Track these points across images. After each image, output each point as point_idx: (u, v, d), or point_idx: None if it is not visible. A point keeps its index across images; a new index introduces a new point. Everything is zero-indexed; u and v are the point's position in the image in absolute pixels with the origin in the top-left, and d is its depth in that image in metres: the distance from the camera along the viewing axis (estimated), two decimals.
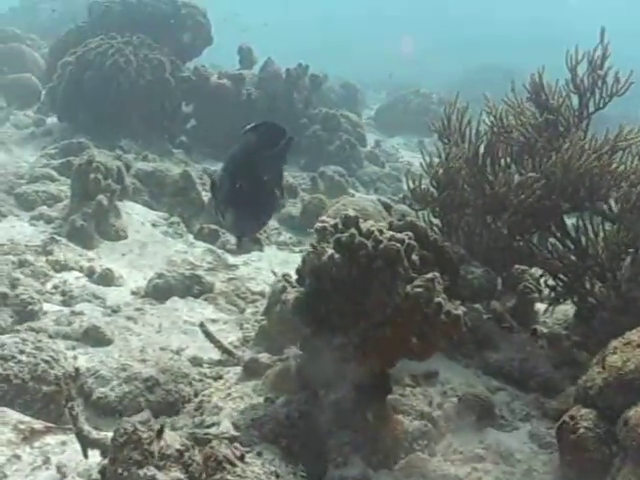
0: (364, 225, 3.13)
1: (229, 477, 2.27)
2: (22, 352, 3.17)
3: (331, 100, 13.24)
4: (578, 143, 4.06)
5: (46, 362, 3.18)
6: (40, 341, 3.27)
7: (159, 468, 2.42)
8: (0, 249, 4.57)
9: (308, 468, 2.96)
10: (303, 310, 3.08)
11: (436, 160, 4.88)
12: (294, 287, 3.19)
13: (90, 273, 4.58)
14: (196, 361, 3.60)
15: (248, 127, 3.71)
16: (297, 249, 6.24)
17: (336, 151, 9.39)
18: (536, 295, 4.70)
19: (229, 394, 3.32)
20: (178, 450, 2.45)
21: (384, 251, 3.00)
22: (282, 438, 3.01)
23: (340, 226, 3.14)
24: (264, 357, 3.50)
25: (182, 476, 2.41)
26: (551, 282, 4.50)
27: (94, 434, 2.65)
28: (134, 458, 2.40)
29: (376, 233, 3.05)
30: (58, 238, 4.83)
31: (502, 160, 4.65)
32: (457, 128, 4.84)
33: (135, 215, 5.80)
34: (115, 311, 4.10)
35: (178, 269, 4.58)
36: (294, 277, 3.28)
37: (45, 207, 5.57)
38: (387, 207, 4.12)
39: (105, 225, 5.29)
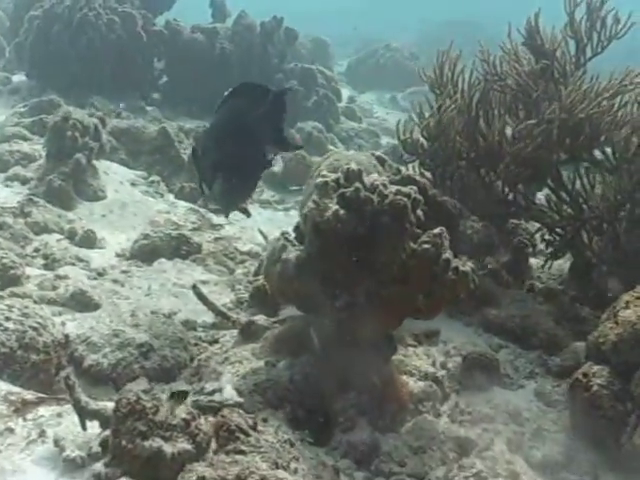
0: (367, 179, 2.98)
1: (243, 447, 2.14)
2: (8, 319, 3.00)
3: (302, 55, 12.96)
4: (580, 87, 3.93)
5: (34, 329, 3.01)
6: (27, 307, 3.10)
7: (165, 439, 2.29)
8: None
9: (313, 433, 2.85)
10: (306, 269, 2.94)
11: (426, 113, 4.74)
12: (294, 246, 3.04)
13: (71, 235, 4.38)
14: (190, 325, 3.45)
15: (226, 93, 3.50)
16: (280, 207, 6.08)
17: (314, 107, 9.18)
18: (530, 250, 4.61)
19: (227, 358, 3.18)
20: (184, 419, 2.32)
21: (391, 206, 2.86)
22: (286, 403, 2.89)
23: (342, 181, 2.99)
24: (261, 319, 3.36)
25: (189, 447, 2.29)
26: (548, 236, 4.41)
27: (92, 405, 2.49)
28: (138, 429, 2.27)
29: (381, 187, 2.91)
30: (35, 199, 4.61)
31: (496, 110, 4.53)
32: (449, 78, 4.69)
33: (113, 174, 5.59)
34: (101, 274, 3.92)
35: (164, 229, 4.39)
36: (293, 235, 3.13)
37: (19, 167, 5.33)
38: (382, 161, 3.97)
39: (83, 185, 5.08)
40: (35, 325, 3.03)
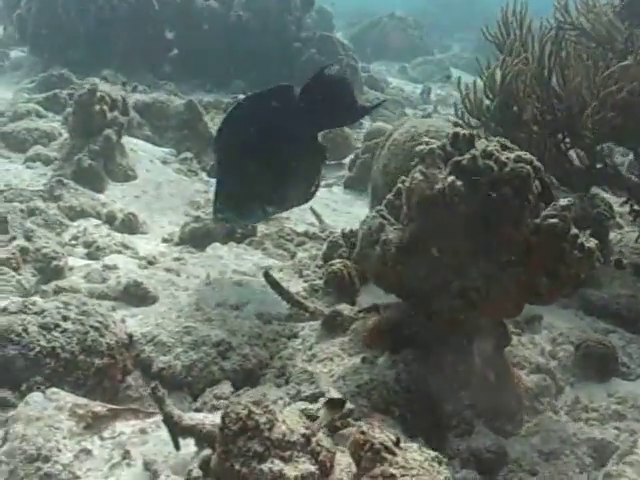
0: (478, 145, 2.62)
1: (392, 470, 1.79)
2: (66, 319, 2.63)
3: (309, 25, 12.53)
4: None
5: (95, 329, 2.65)
6: (85, 304, 2.73)
7: (285, 460, 1.94)
8: (1, 196, 3.97)
9: (424, 439, 2.51)
10: (410, 251, 2.58)
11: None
12: (392, 224, 2.68)
13: (110, 220, 4.01)
14: (264, 318, 3.09)
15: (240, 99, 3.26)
16: (322, 183, 5.71)
17: None
18: (611, 222, 4.27)
19: (314, 355, 2.83)
20: (304, 435, 1.97)
21: (512, 175, 2.49)
22: (394, 406, 2.54)
23: (449, 148, 2.62)
24: (346, 309, 3.00)
25: (313, 468, 1.93)
26: (638, 207, 4.07)
27: (186, 420, 2.14)
28: (253, 449, 1.91)
29: (497, 154, 2.55)
30: (65, 181, 4.22)
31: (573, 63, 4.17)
32: (518, 35, 4.33)
33: (141, 152, 5.20)
34: (151, 263, 3.55)
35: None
36: (384, 211, 2.76)
37: (39, 146, 4.93)
38: (457, 127, 3.60)
39: (112, 164, 4.68)
40: (96, 325, 2.67)
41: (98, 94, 4.58)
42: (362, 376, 2.59)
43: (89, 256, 3.55)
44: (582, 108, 4.04)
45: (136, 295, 3.17)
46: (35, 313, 2.62)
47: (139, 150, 5.19)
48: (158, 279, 3.34)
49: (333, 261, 3.35)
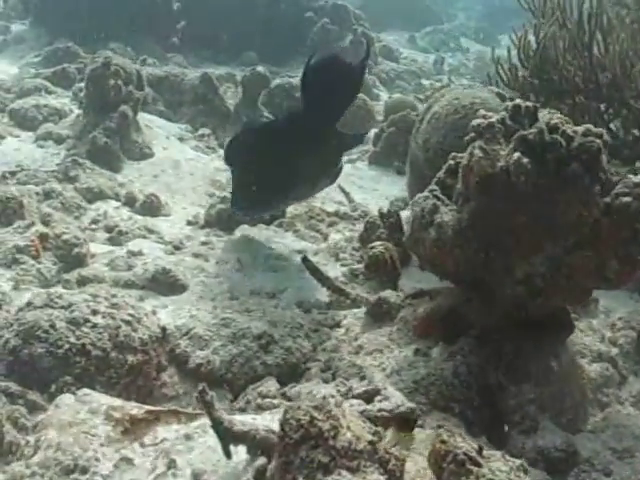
0: (542, 117, 2.42)
1: None
2: (96, 312, 2.45)
3: None
4: None
5: (127, 323, 2.47)
6: (115, 296, 2.55)
7: (352, 471, 1.76)
8: (14, 178, 3.77)
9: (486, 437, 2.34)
10: (469, 234, 2.39)
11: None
12: (447, 205, 2.48)
13: (130, 201, 3.81)
14: (304, 306, 2.91)
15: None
16: (344, 158, 5.50)
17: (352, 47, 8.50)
18: None
19: (360, 346, 2.65)
20: (371, 442, 1.79)
21: (581, 150, 2.30)
22: (454, 402, 2.37)
23: (509, 121, 2.42)
24: (392, 295, 2.82)
25: (382, 478, 1.76)
26: None
27: (238, 425, 1.96)
28: (317, 460, 1.73)
29: (563, 128, 2.35)
30: (81, 160, 4.02)
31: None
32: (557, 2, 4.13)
33: (157, 128, 4.99)
34: (178, 247, 3.36)
35: None
36: (437, 191, 2.57)
37: (50, 124, 4.72)
38: (502, 99, 3.39)
39: (127, 142, 4.48)
40: (128, 318, 2.49)
41: (112, 67, 4.36)
42: (418, 370, 2.42)
43: (111, 241, 3.36)
44: (627, 75, 3.85)
45: (165, 283, 2.99)
46: (62, 307, 2.44)
47: (154, 127, 4.98)
48: (186, 265, 3.16)
49: (373, 244, 3.16)
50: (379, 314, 2.79)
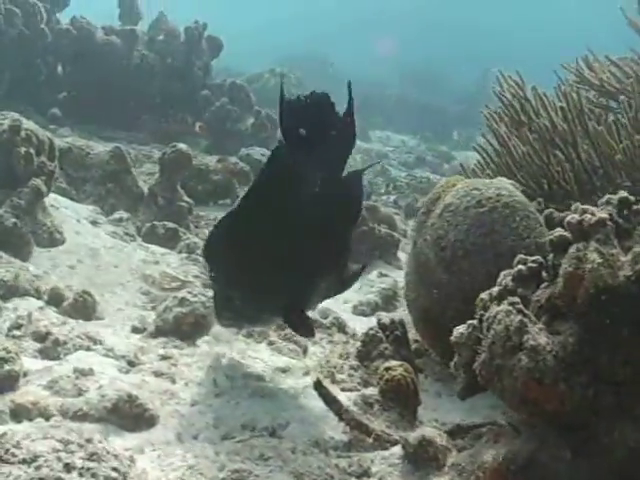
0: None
1: None
2: (71, 468, 1.76)
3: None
4: None
5: None
6: (90, 441, 1.86)
7: None
8: None
9: None
10: (580, 362, 1.92)
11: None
12: (535, 323, 2.00)
13: (56, 299, 3.08)
14: (320, 447, 2.30)
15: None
16: None
17: (253, 130, 8.05)
18: None
19: None
20: None
21: None
22: None
23: (617, 218, 2.00)
24: (435, 434, 2.28)
25: None
26: None
27: None
28: None
29: None
30: None
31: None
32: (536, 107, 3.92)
33: (64, 209, 4.27)
34: (132, 363, 2.67)
35: (201, 290, 3.14)
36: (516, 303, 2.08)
37: None
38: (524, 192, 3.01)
39: (33, 224, 3.75)
40: (113, 475, 1.80)
41: (22, 132, 3.66)
42: None
43: (44, 354, 2.63)
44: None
45: (130, 415, 2.30)
46: (23, 462, 1.72)
47: (61, 207, 4.26)
48: (150, 389, 2.48)
49: (389, 364, 2.61)
50: (424, 459, 2.23)
